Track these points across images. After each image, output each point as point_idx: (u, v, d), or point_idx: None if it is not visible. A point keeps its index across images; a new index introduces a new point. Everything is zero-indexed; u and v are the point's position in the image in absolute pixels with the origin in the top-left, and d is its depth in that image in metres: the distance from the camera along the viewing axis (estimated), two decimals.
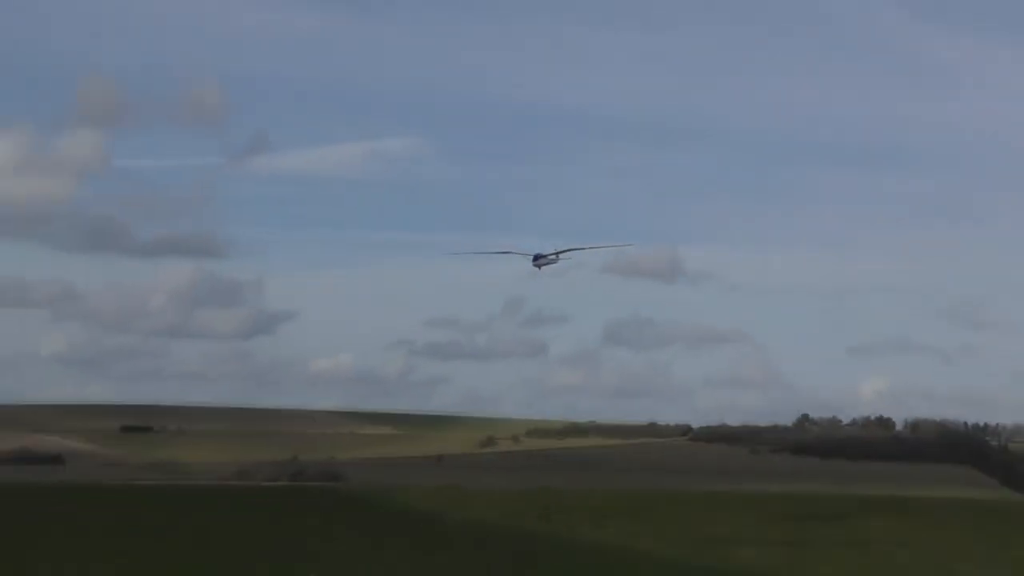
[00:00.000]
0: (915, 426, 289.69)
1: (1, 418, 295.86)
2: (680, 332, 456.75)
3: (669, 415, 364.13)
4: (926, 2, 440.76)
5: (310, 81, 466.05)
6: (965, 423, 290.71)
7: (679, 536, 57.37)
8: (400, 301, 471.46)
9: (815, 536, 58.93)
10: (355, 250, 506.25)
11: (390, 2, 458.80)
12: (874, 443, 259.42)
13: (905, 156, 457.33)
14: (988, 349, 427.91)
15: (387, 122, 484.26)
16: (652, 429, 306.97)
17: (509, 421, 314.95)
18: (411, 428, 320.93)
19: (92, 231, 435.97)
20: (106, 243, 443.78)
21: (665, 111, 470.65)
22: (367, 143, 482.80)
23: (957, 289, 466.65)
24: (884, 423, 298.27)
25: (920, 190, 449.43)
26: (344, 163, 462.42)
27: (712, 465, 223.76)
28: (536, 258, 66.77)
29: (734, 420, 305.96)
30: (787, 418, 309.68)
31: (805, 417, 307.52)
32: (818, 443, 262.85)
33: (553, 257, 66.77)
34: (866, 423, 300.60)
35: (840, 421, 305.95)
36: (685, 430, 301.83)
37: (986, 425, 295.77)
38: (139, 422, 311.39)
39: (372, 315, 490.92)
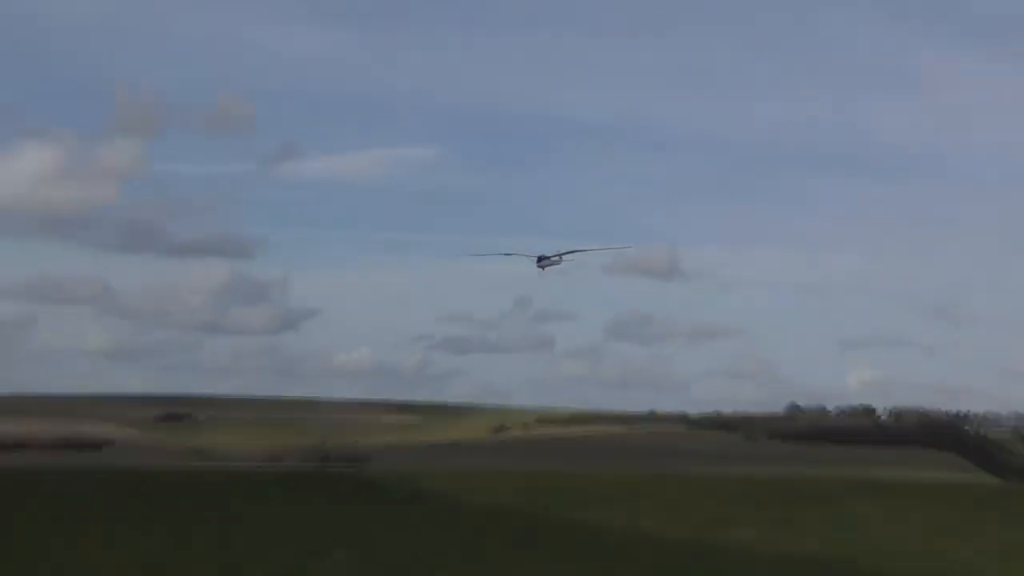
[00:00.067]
0: (898, 414, 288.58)
1: (47, 407, 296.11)
2: (678, 327, 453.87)
3: (668, 404, 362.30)
4: (901, 15, 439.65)
5: (334, 93, 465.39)
6: (944, 412, 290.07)
7: (679, 517, 57.36)
8: (417, 299, 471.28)
9: (805, 516, 58.90)
10: (375, 251, 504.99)
11: (408, 21, 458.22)
12: (859, 430, 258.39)
13: (889, 162, 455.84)
14: (966, 343, 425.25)
15: (406, 131, 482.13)
16: (652, 417, 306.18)
17: (519, 410, 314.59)
18: (428, 416, 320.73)
19: (130, 233, 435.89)
20: (144, 244, 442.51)
21: (664, 120, 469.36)
22: (387, 150, 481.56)
23: (937, 287, 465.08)
24: (869, 412, 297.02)
25: (902, 194, 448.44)
26: (365, 169, 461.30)
27: (708, 451, 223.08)
28: (540, 260, 66.26)
29: (729, 409, 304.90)
30: (778, 407, 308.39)
31: (795, 406, 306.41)
32: (807, 430, 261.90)
33: (556, 259, 66.24)
34: (852, 412, 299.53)
35: (828, 410, 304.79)
36: (683, 418, 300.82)
37: (964, 413, 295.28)
38: (175, 411, 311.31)
39: (391, 312, 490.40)
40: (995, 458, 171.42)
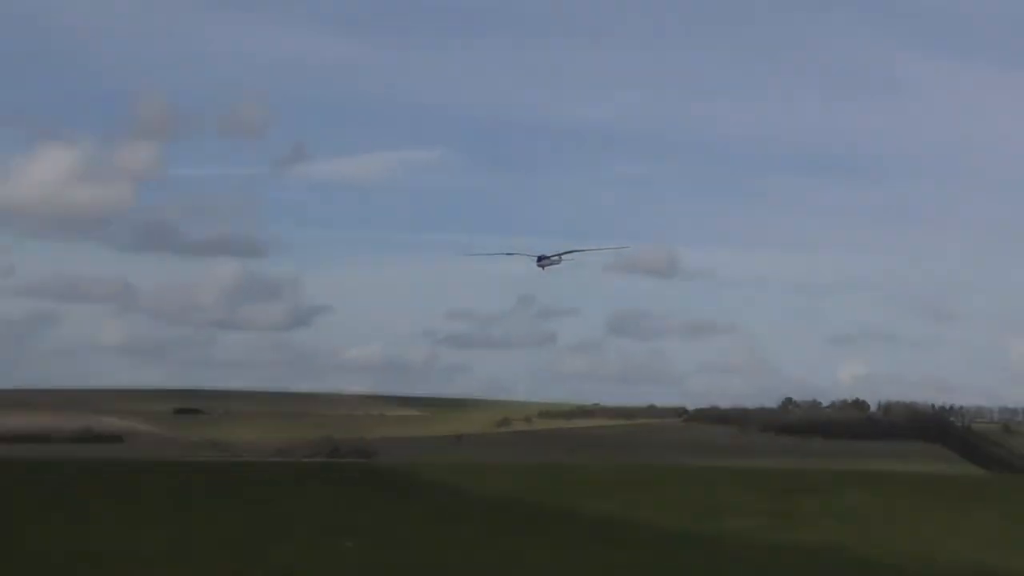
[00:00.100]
0: (887, 408, 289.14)
1: (67, 401, 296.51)
2: (676, 324, 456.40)
3: (666, 398, 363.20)
4: (885, 28, 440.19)
5: (343, 98, 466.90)
6: (932, 405, 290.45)
7: (676, 506, 57.32)
8: (424, 296, 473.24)
9: (798, 506, 58.85)
10: (383, 250, 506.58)
11: (414, 30, 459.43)
12: (851, 423, 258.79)
13: (878, 165, 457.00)
14: (952, 340, 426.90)
15: (413, 135, 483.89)
16: (651, 411, 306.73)
17: (522, 404, 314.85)
18: (435, 410, 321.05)
19: (147, 233, 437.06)
20: (160, 244, 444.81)
21: (662, 126, 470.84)
22: (394, 153, 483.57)
23: (925, 285, 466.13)
24: (860, 405, 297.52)
25: (892, 196, 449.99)
26: (374, 171, 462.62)
27: (705, 443, 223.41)
28: (540, 259, 66.16)
29: (725, 403, 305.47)
30: (772, 401, 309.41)
31: (789, 400, 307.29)
32: (800, 423, 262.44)
33: (556, 258, 66.19)
34: (843, 405, 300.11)
35: (820, 403, 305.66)
36: (681, 412, 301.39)
37: (950, 407, 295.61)
38: (190, 405, 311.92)
39: (399, 308, 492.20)
40: (980, 450, 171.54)
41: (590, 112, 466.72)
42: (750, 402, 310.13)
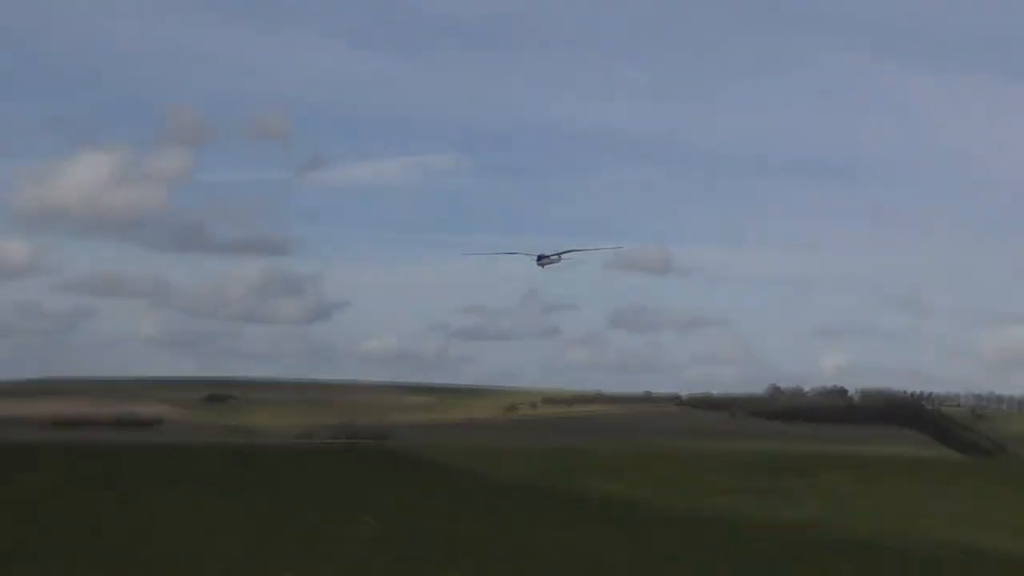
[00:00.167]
0: (866, 395, 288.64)
1: (107, 389, 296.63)
2: (671, 317, 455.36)
3: (662, 386, 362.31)
4: (875, 45, 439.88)
5: (361, 108, 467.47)
6: (907, 392, 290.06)
7: (671, 486, 57.41)
8: (437, 292, 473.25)
9: (784, 486, 58.94)
10: (399, 249, 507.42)
11: (425, 46, 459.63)
12: (832, 409, 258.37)
13: (859, 171, 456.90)
14: (925, 332, 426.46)
15: (426, 142, 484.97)
16: (648, 398, 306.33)
17: (528, 392, 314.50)
18: (446, 397, 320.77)
19: (180, 233, 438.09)
20: (191, 244, 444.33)
21: (658, 132, 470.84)
22: (409, 159, 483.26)
23: (901, 281, 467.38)
24: (840, 392, 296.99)
25: (869, 198, 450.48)
26: (390, 176, 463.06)
27: (698, 427, 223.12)
28: (540, 258, 65.61)
29: (716, 390, 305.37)
30: (760, 388, 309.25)
31: (775, 388, 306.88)
32: (786, 409, 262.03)
33: (555, 257, 65.60)
34: (825, 392, 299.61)
35: (804, 391, 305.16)
36: (675, 399, 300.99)
37: (924, 394, 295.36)
38: (220, 392, 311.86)
39: (413, 303, 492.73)
40: (952, 434, 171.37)
41: (590, 120, 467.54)
42: (739, 390, 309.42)
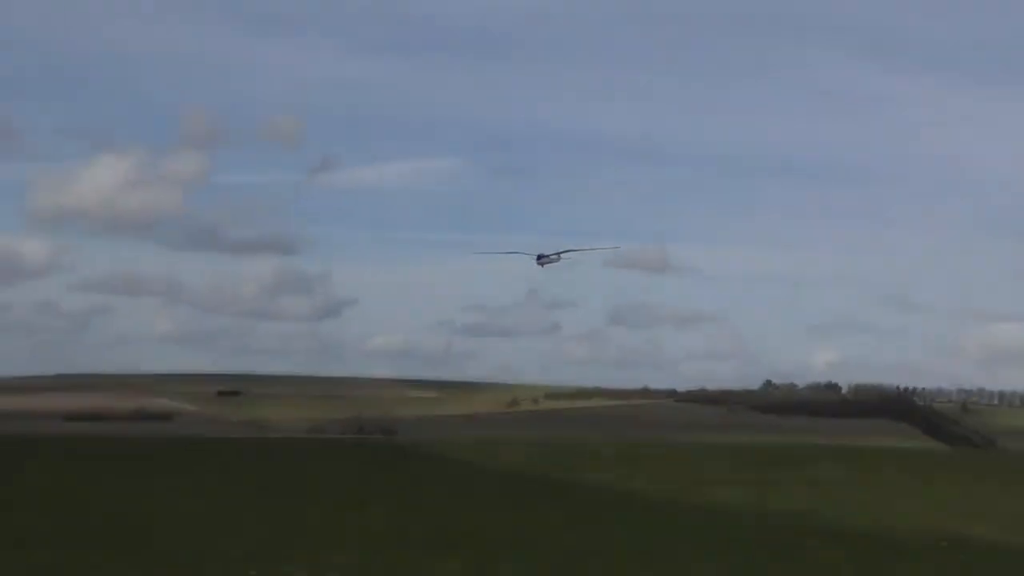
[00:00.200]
0: (857, 390, 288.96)
1: (122, 384, 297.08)
2: (668, 314, 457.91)
3: (659, 381, 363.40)
4: (865, 50, 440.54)
5: (368, 114, 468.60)
6: (897, 387, 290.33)
7: (668, 478, 57.41)
8: (441, 290, 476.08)
9: (778, 478, 58.92)
10: (405, 248, 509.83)
11: (429, 54, 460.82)
12: (825, 403, 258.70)
13: (848, 171, 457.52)
14: (914, 329, 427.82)
15: (432, 145, 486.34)
16: (645, 392, 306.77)
17: (530, 386, 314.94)
18: (451, 392, 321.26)
19: (194, 233, 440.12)
20: (205, 243, 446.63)
21: (656, 135, 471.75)
22: (415, 162, 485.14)
23: (891, 280, 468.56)
24: (833, 387, 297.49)
25: (861, 199, 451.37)
26: (397, 178, 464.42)
27: (694, 421, 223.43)
28: (539, 258, 65.27)
29: (712, 385, 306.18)
30: (754, 383, 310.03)
31: (769, 383, 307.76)
32: (780, 403, 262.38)
33: (554, 257, 65.25)
34: (818, 387, 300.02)
35: (797, 386, 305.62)
36: (672, 393, 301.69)
37: (914, 389, 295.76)
38: (232, 387, 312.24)
39: (419, 301, 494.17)
40: (941, 427, 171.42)
41: (588, 124, 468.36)
42: (735, 385, 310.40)
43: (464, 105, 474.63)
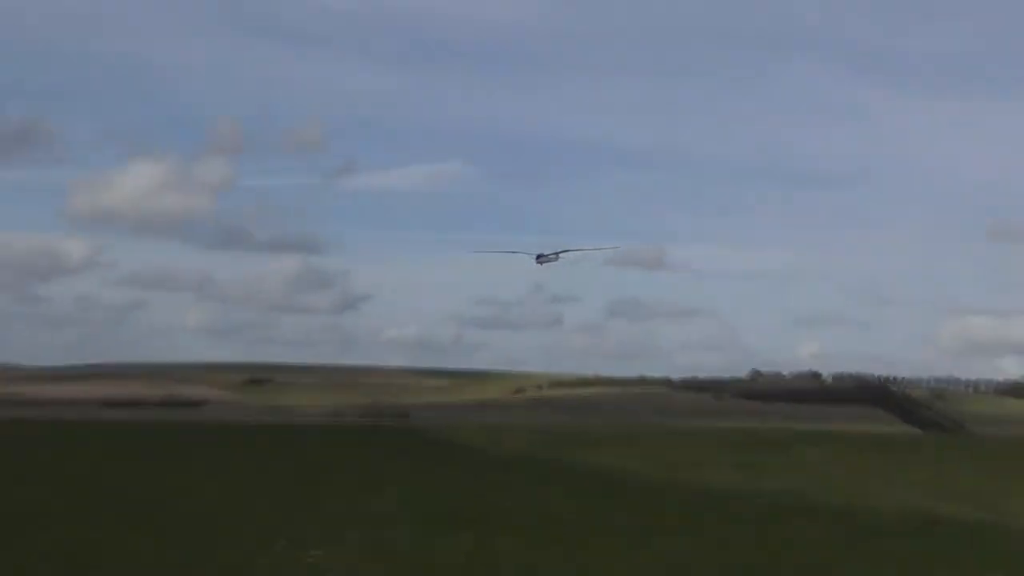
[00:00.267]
0: (838, 378, 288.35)
1: (156, 373, 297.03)
2: (663, 309, 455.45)
3: (655, 370, 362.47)
4: (848, 63, 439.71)
5: (387, 121, 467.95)
6: (875, 376, 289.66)
7: (660, 460, 57.34)
8: (452, 286, 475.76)
9: (763, 460, 58.85)
10: (419, 247, 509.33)
11: (442, 65, 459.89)
12: (808, 390, 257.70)
13: (831, 177, 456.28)
14: (890, 322, 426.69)
15: (443, 151, 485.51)
16: (642, 381, 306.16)
17: (534, 375, 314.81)
18: (461, 381, 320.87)
19: (224, 234, 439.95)
20: (234, 243, 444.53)
21: (653, 141, 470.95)
22: (429, 166, 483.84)
23: (870, 277, 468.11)
24: (815, 376, 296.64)
25: (843, 201, 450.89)
26: (412, 181, 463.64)
27: (686, 407, 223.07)
28: (538, 257, 64.62)
29: (703, 374, 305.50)
30: (743, 372, 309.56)
31: (756, 371, 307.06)
32: (766, 391, 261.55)
33: (553, 256, 64.67)
34: (802, 376, 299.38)
35: (782, 374, 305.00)
36: (667, 381, 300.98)
37: (890, 377, 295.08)
38: (259, 376, 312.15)
39: (431, 295, 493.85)
40: (915, 413, 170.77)
41: (591, 130, 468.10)
42: (724, 373, 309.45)
43: (473, 113, 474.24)
